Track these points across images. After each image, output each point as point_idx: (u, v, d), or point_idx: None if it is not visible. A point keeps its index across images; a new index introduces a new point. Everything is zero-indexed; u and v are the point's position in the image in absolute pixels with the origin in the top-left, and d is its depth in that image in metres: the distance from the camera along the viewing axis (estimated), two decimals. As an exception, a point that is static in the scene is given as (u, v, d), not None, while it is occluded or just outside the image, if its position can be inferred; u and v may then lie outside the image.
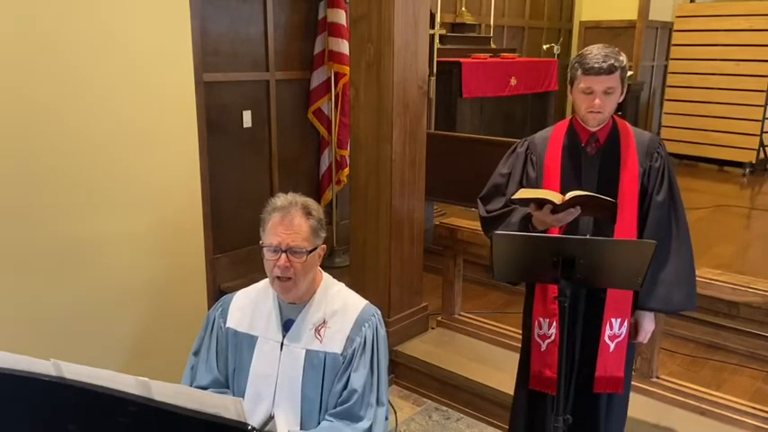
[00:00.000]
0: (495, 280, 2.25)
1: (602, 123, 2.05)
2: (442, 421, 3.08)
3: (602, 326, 2.09)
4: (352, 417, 1.69)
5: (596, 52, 1.96)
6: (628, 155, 2.06)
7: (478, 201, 2.25)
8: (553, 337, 2.12)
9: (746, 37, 6.74)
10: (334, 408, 1.72)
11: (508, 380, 2.73)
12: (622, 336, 2.11)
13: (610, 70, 1.93)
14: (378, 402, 1.74)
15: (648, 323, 2.15)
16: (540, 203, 1.91)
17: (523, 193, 1.97)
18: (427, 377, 3.24)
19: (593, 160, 2.07)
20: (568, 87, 2.06)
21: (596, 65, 1.93)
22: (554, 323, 2.11)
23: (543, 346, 2.15)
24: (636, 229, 2.06)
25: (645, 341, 2.21)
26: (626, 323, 2.11)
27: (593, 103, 1.96)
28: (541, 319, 2.15)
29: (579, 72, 1.98)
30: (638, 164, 2.06)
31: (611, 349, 2.10)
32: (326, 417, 1.72)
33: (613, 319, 2.09)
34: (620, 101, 2.07)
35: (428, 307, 3.58)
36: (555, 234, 2.06)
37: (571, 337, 2.11)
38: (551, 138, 2.14)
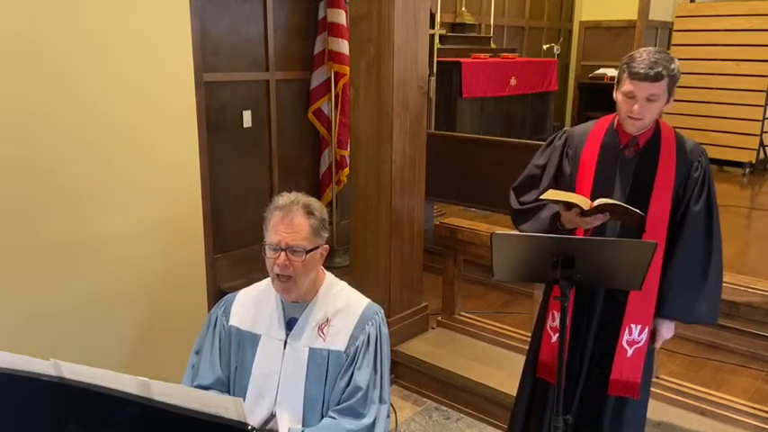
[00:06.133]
0: (494, 280, 2.25)
1: (642, 130, 2.00)
2: (442, 421, 3.08)
3: (621, 330, 2.06)
4: (354, 413, 1.70)
5: (646, 57, 1.89)
6: (666, 162, 2.00)
7: (511, 191, 2.21)
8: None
9: (746, 37, 6.74)
10: (338, 404, 1.72)
11: (508, 380, 2.73)
12: (642, 342, 2.08)
13: (656, 78, 1.86)
14: (380, 400, 1.75)
15: (667, 331, 2.12)
16: (569, 206, 1.91)
17: (552, 195, 1.95)
18: (427, 377, 3.24)
19: (629, 164, 2.02)
20: (615, 86, 1.99)
21: (642, 70, 1.86)
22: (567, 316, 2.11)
23: (554, 338, 2.14)
24: (665, 237, 2.01)
25: (657, 346, 2.18)
26: (647, 330, 2.07)
27: (632, 109, 1.91)
28: (555, 312, 2.14)
29: (625, 74, 1.91)
30: (675, 172, 2.00)
31: (628, 354, 2.08)
32: (329, 413, 1.72)
33: (633, 325, 2.06)
34: (667, 109, 2.00)
35: (428, 307, 3.58)
36: (581, 234, 2.04)
37: (581, 336, 2.11)
38: (591, 134, 2.09)
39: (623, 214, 1.88)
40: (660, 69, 1.86)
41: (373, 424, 1.72)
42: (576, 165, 2.08)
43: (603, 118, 2.12)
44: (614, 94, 1.99)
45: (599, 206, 1.86)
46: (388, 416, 1.79)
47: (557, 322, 2.12)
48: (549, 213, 2.06)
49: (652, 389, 2.84)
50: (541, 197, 1.97)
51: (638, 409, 2.20)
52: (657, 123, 2.04)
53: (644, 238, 1.97)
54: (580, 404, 2.17)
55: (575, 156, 2.10)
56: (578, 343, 2.12)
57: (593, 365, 2.14)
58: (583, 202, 1.88)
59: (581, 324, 2.11)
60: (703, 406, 2.76)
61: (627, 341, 2.08)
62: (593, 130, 2.09)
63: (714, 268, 2.04)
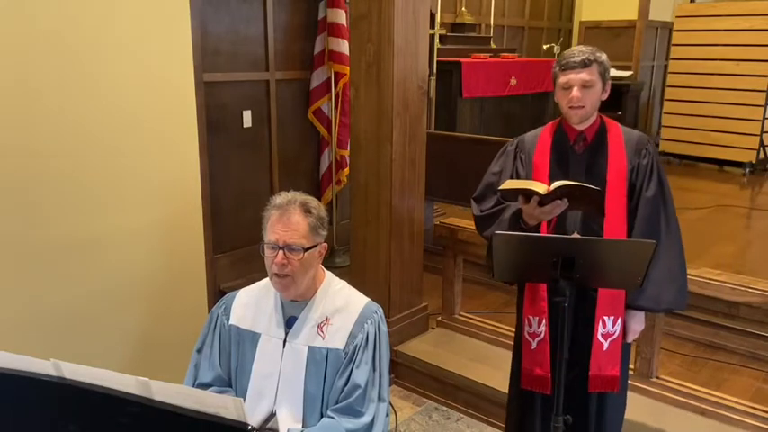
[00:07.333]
0: (493, 279, 2.26)
1: (586, 119, 2.08)
2: (442, 421, 3.08)
3: (595, 324, 2.08)
4: (353, 412, 1.70)
5: (574, 50, 2.05)
6: (615, 153, 2.08)
7: (472, 201, 2.28)
8: (543, 335, 2.12)
9: (746, 37, 6.74)
10: (336, 403, 1.73)
11: (508, 380, 2.73)
12: (616, 334, 2.10)
13: (584, 64, 2.00)
14: (379, 398, 1.76)
15: (636, 323, 2.14)
16: (527, 195, 1.94)
17: (509, 184, 2.02)
18: (427, 377, 3.24)
19: (580, 158, 2.10)
20: (554, 90, 2.11)
21: (571, 60, 2.01)
22: (543, 321, 2.12)
23: (533, 345, 2.15)
24: (625, 225, 2.07)
25: (630, 341, 2.19)
26: (620, 321, 2.10)
27: (571, 97, 2.01)
28: (531, 317, 2.15)
29: (558, 70, 2.06)
30: (626, 161, 2.07)
31: (604, 348, 2.10)
32: (328, 412, 1.73)
33: (606, 317, 2.08)
34: (605, 98, 2.09)
35: (428, 307, 3.58)
36: (544, 231, 2.07)
37: (557, 335, 2.11)
38: (540, 137, 2.18)
39: (582, 197, 1.90)
40: (587, 56, 2.01)
41: (372, 422, 1.72)
42: (530, 167, 2.16)
43: (550, 122, 2.21)
44: (555, 97, 2.11)
45: (556, 189, 1.88)
46: (388, 414, 1.79)
47: (533, 328, 2.15)
48: (510, 214, 2.11)
49: (652, 389, 2.86)
50: (500, 188, 2.03)
51: (617, 405, 2.23)
52: (602, 118, 2.13)
53: (605, 226, 2.03)
54: (565, 403, 2.17)
55: (527, 159, 2.18)
56: (557, 342, 2.13)
57: (572, 363, 2.13)
58: (539, 186, 1.92)
59: (557, 322, 2.11)
60: (703, 406, 2.76)
61: (602, 334, 2.09)
62: (543, 133, 2.18)
63: (674, 252, 2.07)
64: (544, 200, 1.91)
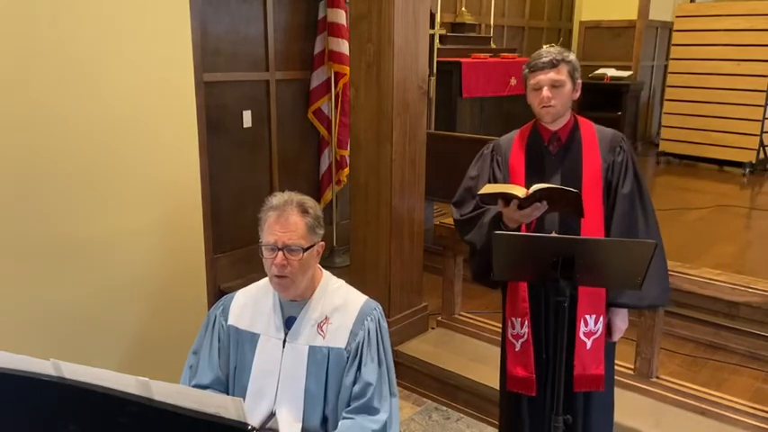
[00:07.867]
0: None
1: (558, 118, 2.09)
2: (441, 421, 3.08)
3: (577, 323, 2.07)
4: (370, 410, 1.71)
5: (541, 51, 2.07)
6: (590, 151, 2.09)
7: (452, 206, 2.29)
8: (526, 336, 2.13)
9: (746, 37, 6.72)
10: (348, 404, 1.73)
11: (508, 380, 2.73)
12: (599, 332, 2.10)
13: (552, 64, 2.02)
14: (390, 393, 1.77)
15: (621, 321, 2.14)
16: (506, 199, 1.95)
17: (488, 188, 2.03)
18: (427, 377, 3.24)
19: (555, 158, 2.12)
20: (526, 93, 2.13)
21: (540, 60, 2.04)
22: (526, 322, 2.12)
23: (517, 346, 2.15)
24: (603, 224, 2.07)
25: (615, 339, 2.18)
26: (601, 319, 2.09)
27: (542, 97, 2.03)
28: (513, 319, 2.16)
29: (527, 72, 2.08)
30: (600, 159, 2.09)
31: (587, 347, 2.09)
32: (344, 414, 1.72)
33: (587, 316, 2.08)
34: (576, 98, 2.11)
35: (428, 307, 3.58)
36: (524, 232, 2.06)
37: (542, 335, 2.11)
38: (516, 139, 2.20)
39: (560, 199, 1.91)
40: (555, 56, 2.03)
41: (389, 419, 1.72)
42: (507, 169, 2.17)
43: (525, 125, 2.23)
44: (527, 99, 2.12)
45: (535, 192, 1.89)
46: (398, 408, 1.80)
47: (516, 329, 2.15)
48: (490, 217, 2.12)
49: (652, 389, 2.85)
50: (479, 192, 2.04)
51: (603, 405, 2.22)
52: (575, 118, 2.14)
53: (583, 226, 2.03)
54: (551, 404, 2.17)
55: (504, 161, 2.19)
56: (541, 343, 2.12)
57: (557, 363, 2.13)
58: (518, 190, 1.93)
59: (539, 323, 2.11)
60: (703, 406, 2.76)
61: (584, 333, 2.09)
62: (518, 136, 2.21)
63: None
64: (523, 203, 1.92)
